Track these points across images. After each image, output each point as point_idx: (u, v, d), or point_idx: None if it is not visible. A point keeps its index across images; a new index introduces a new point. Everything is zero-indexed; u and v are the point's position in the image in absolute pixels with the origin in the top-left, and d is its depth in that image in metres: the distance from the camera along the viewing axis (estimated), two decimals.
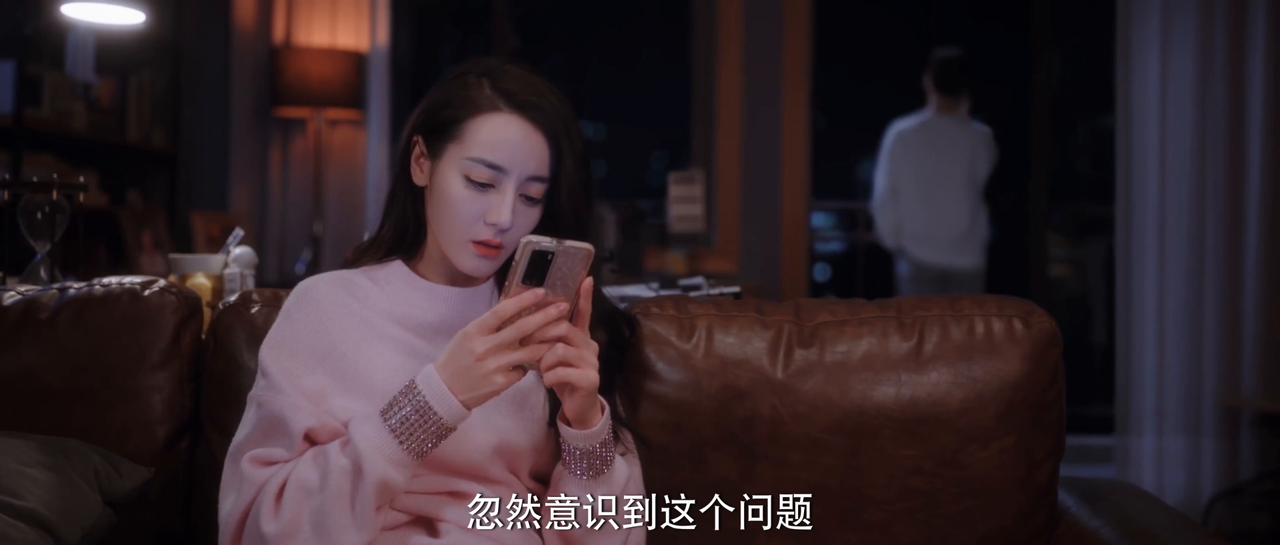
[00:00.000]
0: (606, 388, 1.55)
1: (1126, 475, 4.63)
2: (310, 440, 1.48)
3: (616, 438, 1.59)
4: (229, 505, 1.48)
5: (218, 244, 4.51)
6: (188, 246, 4.60)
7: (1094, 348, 5.88)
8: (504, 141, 1.49)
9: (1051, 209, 5.54)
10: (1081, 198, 6.42)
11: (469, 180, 1.50)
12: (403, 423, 1.41)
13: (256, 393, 1.53)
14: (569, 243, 1.36)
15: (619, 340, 1.66)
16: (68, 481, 1.60)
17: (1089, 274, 6.34)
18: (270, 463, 1.47)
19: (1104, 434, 4.92)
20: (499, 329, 1.38)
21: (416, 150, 1.57)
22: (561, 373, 1.40)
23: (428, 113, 1.56)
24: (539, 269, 1.36)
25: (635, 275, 4.31)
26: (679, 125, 5.42)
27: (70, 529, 1.56)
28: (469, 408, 1.41)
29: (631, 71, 6.15)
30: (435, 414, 1.40)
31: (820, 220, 6.25)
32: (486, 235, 1.51)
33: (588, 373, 1.41)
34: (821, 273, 6.27)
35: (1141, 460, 4.61)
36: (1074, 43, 6.07)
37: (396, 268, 1.62)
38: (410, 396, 1.41)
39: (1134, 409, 4.63)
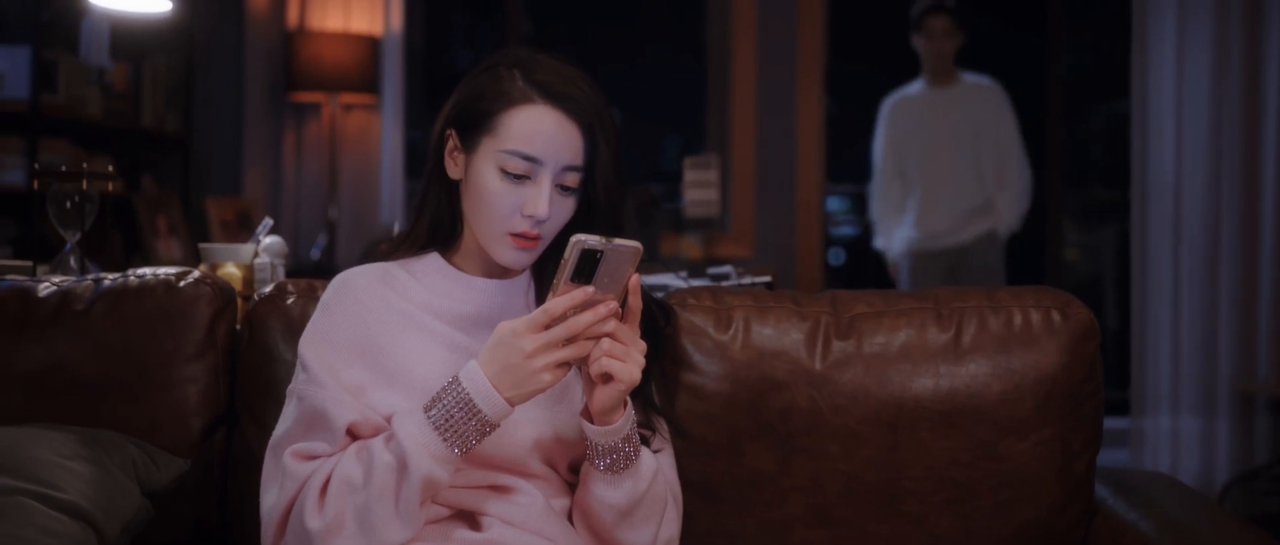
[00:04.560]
0: (643, 379, 1.54)
1: (1141, 458, 4.63)
2: (352, 434, 1.47)
3: (653, 429, 1.59)
4: (272, 499, 1.48)
5: (232, 229, 4.51)
6: (203, 231, 4.60)
7: (1105, 332, 5.89)
8: (538, 133, 1.49)
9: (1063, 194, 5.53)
10: (1092, 183, 6.41)
11: (504, 173, 1.49)
12: (447, 419, 1.40)
13: (296, 386, 1.52)
14: (618, 241, 1.35)
15: (654, 330, 1.66)
16: (107, 474, 1.60)
17: (1101, 258, 6.35)
18: (312, 457, 1.47)
19: (1115, 416, 4.91)
20: (548, 327, 1.37)
21: (449, 144, 1.56)
22: (607, 363, 1.39)
23: (460, 106, 1.55)
24: (588, 267, 1.36)
25: (650, 260, 4.31)
26: (693, 110, 5.42)
27: (110, 522, 1.56)
28: (513, 404, 1.40)
29: (645, 56, 6.14)
30: (479, 411, 1.40)
31: (834, 204, 6.24)
32: (524, 227, 1.50)
33: (632, 368, 1.40)
34: (835, 257, 6.26)
35: (1157, 443, 4.61)
36: (1085, 33, 6.05)
37: (433, 260, 1.61)
38: (454, 392, 1.40)
39: (1149, 392, 4.63)
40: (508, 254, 1.53)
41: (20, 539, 1.44)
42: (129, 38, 4.25)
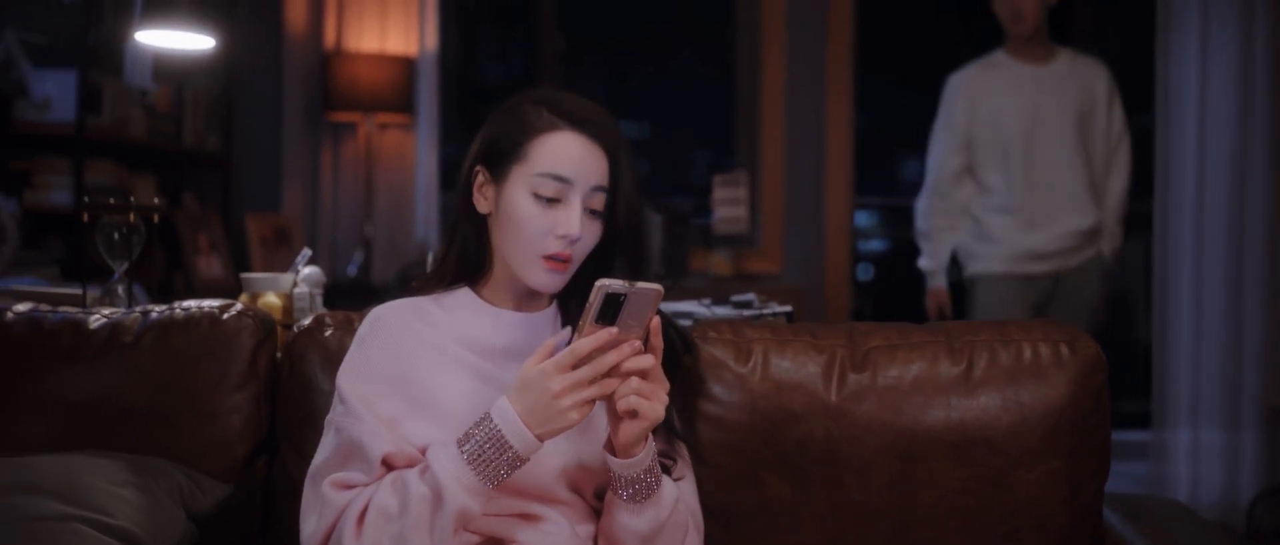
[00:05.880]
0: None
1: (1163, 471, 4.60)
2: (387, 465, 1.55)
3: (674, 457, 1.66)
4: (311, 527, 1.56)
5: (270, 245, 4.61)
6: (242, 248, 4.69)
7: (1130, 344, 5.88)
8: (568, 156, 1.58)
9: None
10: None
11: (537, 196, 1.57)
12: (479, 453, 1.48)
13: (334, 418, 1.60)
14: (640, 284, 1.42)
15: (676, 360, 1.72)
16: (155, 500, 1.68)
17: (1128, 269, 6.34)
18: (350, 486, 1.55)
19: (1137, 429, 4.90)
20: (575, 367, 1.45)
21: (479, 180, 1.64)
22: (633, 401, 1.47)
23: (487, 144, 1.63)
24: (611, 310, 1.43)
25: (680, 276, 4.38)
26: (722, 123, 5.47)
27: None
28: (542, 440, 1.48)
29: (674, 70, 6.19)
30: (510, 446, 1.47)
31: (863, 219, 6.27)
32: (557, 248, 1.58)
33: (656, 406, 1.48)
34: (864, 272, 6.28)
35: (1178, 456, 4.60)
36: (1109, 45, 6.05)
37: (463, 294, 1.69)
38: (486, 428, 1.48)
39: (1171, 405, 4.62)
40: (540, 277, 1.60)
41: None
42: (172, 61, 4.34)
